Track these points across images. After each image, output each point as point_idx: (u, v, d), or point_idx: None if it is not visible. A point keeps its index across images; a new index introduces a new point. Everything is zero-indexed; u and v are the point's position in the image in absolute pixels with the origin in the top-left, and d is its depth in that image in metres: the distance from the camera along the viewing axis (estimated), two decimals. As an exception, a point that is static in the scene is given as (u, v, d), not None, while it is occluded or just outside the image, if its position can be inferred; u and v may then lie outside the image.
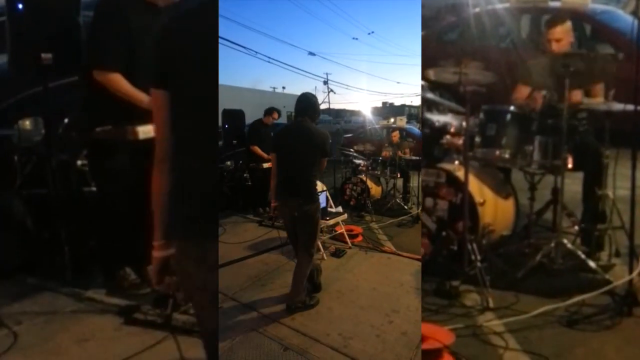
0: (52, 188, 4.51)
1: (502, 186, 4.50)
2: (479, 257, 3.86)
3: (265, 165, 8.64)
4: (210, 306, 2.09)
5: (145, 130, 3.77)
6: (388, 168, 9.91)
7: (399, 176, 9.93)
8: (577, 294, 3.59)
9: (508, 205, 4.49)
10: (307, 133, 4.67)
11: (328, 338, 4.08)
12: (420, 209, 8.93)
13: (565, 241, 4.02)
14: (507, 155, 4.06)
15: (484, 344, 3.27)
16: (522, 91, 4.52)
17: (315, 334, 4.14)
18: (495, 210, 4.31)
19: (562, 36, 4.27)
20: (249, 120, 10.36)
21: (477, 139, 4.16)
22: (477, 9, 8.71)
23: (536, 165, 4.12)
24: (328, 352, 3.85)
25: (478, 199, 4.15)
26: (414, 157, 10.39)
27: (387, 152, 10.24)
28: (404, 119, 19.03)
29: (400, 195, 10.06)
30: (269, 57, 76.59)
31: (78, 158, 5.05)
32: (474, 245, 3.91)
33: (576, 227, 4.29)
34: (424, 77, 4.29)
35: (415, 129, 18.78)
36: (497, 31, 8.54)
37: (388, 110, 60.30)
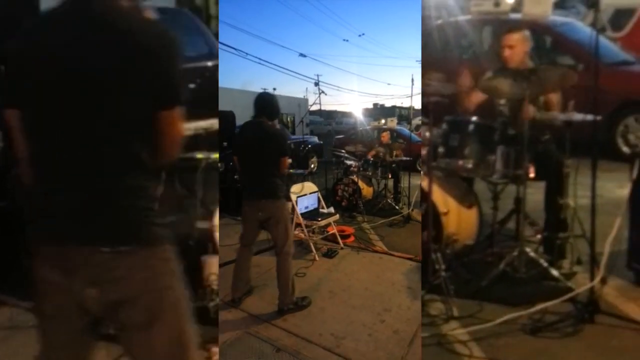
0: (11, 200, 4.42)
1: (466, 196, 4.53)
2: (443, 267, 3.88)
3: None
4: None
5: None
6: (379, 169, 10.00)
7: (390, 177, 10.06)
8: (540, 302, 3.62)
9: (471, 215, 4.52)
10: (263, 133, 4.66)
11: (320, 338, 4.10)
12: (411, 208, 9.03)
13: (528, 250, 4.07)
14: (470, 165, 4.09)
15: (448, 352, 3.28)
16: (476, 98, 4.54)
17: (307, 335, 4.15)
18: (459, 219, 4.33)
19: (516, 44, 4.33)
20: (239, 121, 10.25)
21: (441, 150, 4.19)
22: (440, 21, 8.81)
23: (499, 175, 4.16)
24: (321, 353, 3.87)
25: (442, 209, 4.18)
26: (404, 158, 10.52)
27: (372, 152, 10.42)
28: (395, 120, 19.21)
29: (392, 196, 10.19)
30: (260, 59, 76.94)
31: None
32: (438, 255, 3.93)
33: (539, 236, 4.35)
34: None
35: (405, 130, 19.03)
36: (459, 42, 8.64)
37: (379, 111, 60.77)
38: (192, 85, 7.40)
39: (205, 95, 7.40)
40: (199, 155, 4.27)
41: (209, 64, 7.69)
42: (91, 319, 1.92)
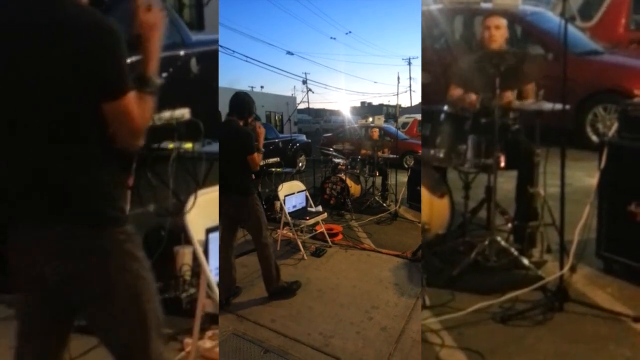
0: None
1: (438, 185, 4.54)
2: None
3: None
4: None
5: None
6: (367, 166, 10.06)
7: (377, 174, 10.12)
8: (511, 291, 3.66)
9: (443, 204, 4.53)
10: (231, 132, 4.80)
11: (309, 338, 4.08)
12: (398, 205, 9.05)
13: (498, 239, 4.09)
14: (441, 155, 4.10)
15: (421, 341, 3.30)
16: (456, 91, 4.58)
17: (296, 335, 4.13)
18: (430, 209, 4.35)
19: (501, 25, 4.38)
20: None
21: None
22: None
23: (470, 164, 4.18)
24: (309, 352, 3.86)
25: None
26: (391, 156, 10.59)
27: (364, 151, 10.50)
28: (382, 118, 19.20)
29: (379, 193, 10.25)
30: (247, 57, 76.39)
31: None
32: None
33: (509, 225, 4.37)
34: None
35: (392, 127, 18.97)
36: (431, 32, 8.65)
37: (366, 109, 60.85)
38: (164, 75, 7.33)
39: (177, 84, 7.35)
40: (171, 145, 4.23)
41: (181, 53, 7.62)
42: (63, 306, 1.99)
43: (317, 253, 6.46)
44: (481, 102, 4.32)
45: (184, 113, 4.32)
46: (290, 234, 6.73)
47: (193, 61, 7.74)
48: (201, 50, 7.91)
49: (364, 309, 4.65)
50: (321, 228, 7.00)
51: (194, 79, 7.65)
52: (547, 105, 3.96)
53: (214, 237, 2.97)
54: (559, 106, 3.82)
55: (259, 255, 4.92)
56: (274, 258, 4.98)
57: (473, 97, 4.39)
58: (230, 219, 4.79)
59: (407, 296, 4.87)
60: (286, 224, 6.58)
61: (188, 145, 4.34)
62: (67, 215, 1.89)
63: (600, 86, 7.62)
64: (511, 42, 7.86)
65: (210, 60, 8.01)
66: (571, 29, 7.82)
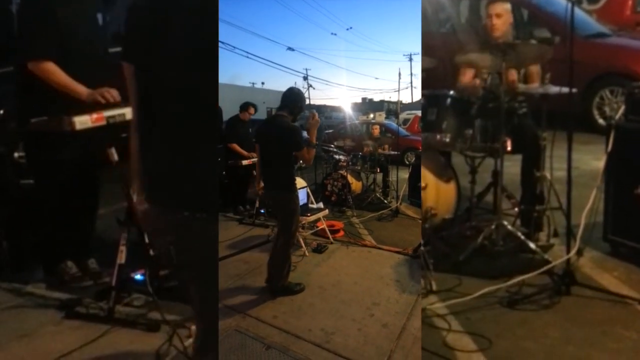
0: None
1: (444, 170, 4.54)
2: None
3: (245, 162, 8.48)
4: (208, 286, 2.26)
5: (82, 121, 3.63)
6: (368, 163, 10.05)
7: (378, 171, 10.11)
8: (518, 275, 3.66)
9: (449, 189, 4.53)
10: (277, 128, 4.78)
11: (310, 334, 4.05)
12: (399, 202, 9.05)
13: (505, 223, 4.10)
14: (447, 139, 4.10)
15: (427, 326, 3.31)
16: (467, 74, 4.56)
17: (297, 331, 4.10)
18: (437, 194, 4.35)
19: (503, 12, 4.35)
20: (227, 116, 10.11)
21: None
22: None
23: (476, 149, 4.17)
24: (310, 348, 3.83)
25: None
26: (392, 152, 10.53)
27: (366, 148, 10.47)
28: (383, 114, 19.09)
29: (380, 190, 10.20)
30: (247, 52, 76.07)
31: (15, 150, 4.89)
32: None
33: (516, 209, 4.37)
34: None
35: (393, 124, 18.85)
36: (437, 17, 8.60)
37: (367, 105, 60.53)
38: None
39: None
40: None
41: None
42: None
43: (319, 249, 6.43)
44: (490, 86, 4.30)
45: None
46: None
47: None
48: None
49: (365, 305, 4.63)
50: (322, 224, 6.98)
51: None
52: (554, 89, 3.95)
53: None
54: (565, 89, 3.81)
55: (278, 250, 4.90)
56: (290, 259, 5.00)
57: (480, 82, 4.38)
58: (270, 207, 5.13)
59: (408, 293, 4.86)
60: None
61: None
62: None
63: (607, 69, 7.57)
64: (517, 25, 7.85)
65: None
66: (578, 11, 7.79)
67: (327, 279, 5.42)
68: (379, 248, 6.59)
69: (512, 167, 4.51)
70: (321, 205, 7.34)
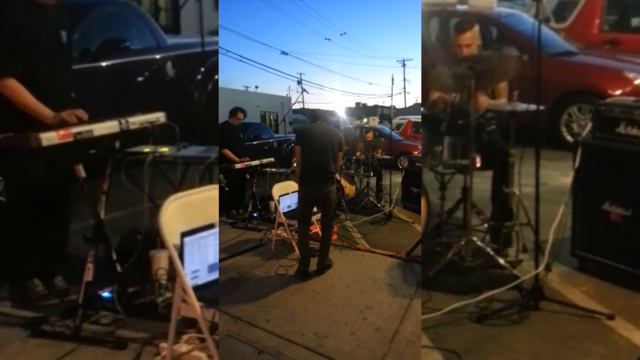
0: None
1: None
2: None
3: (238, 166, 8.33)
4: None
5: (49, 137, 3.58)
6: (362, 167, 10.05)
7: (372, 175, 10.11)
8: (487, 290, 3.68)
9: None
10: (326, 132, 5.79)
11: (303, 338, 4.00)
12: (392, 206, 9.05)
13: (475, 239, 4.11)
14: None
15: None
16: (436, 92, 4.60)
17: (290, 335, 4.05)
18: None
19: (472, 41, 4.39)
20: (221, 119, 9.99)
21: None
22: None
23: (446, 165, 4.20)
24: (303, 353, 3.77)
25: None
26: (386, 156, 10.64)
27: (359, 152, 10.54)
28: (377, 119, 19.08)
29: (374, 194, 10.24)
30: (241, 56, 75.40)
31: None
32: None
33: (485, 225, 4.40)
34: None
35: (386, 129, 18.88)
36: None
37: (361, 110, 60.54)
38: (140, 79, 7.30)
39: (153, 88, 7.31)
40: (146, 149, 4.19)
41: (157, 56, 7.58)
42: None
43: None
44: (457, 103, 4.34)
45: (158, 117, 4.29)
46: (285, 234, 6.68)
47: (169, 65, 7.71)
48: (177, 53, 7.90)
49: (358, 309, 4.61)
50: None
51: (170, 81, 7.64)
52: (522, 106, 3.99)
53: (189, 241, 2.93)
54: (533, 107, 3.86)
55: (325, 233, 5.80)
56: (331, 239, 5.87)
57: (449, 98, 4.42)
58: (313, 201, 5.76)
59: (401, 296, 4.85)
60: (280, 224, 6.53)
61: (164, 149, 4.31)
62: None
63: (574, 86, 7.71)
64: (486, 44, 7.96)
65: (186, 63, 7.99)
66: (545, 30, 7.93)
67: (320, 282, 5.38)
68: (372, 252, 6.56)
69: (482, 183, 4.55)
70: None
